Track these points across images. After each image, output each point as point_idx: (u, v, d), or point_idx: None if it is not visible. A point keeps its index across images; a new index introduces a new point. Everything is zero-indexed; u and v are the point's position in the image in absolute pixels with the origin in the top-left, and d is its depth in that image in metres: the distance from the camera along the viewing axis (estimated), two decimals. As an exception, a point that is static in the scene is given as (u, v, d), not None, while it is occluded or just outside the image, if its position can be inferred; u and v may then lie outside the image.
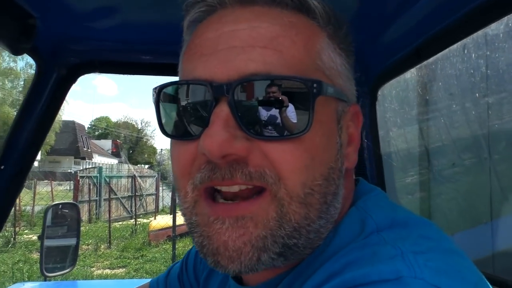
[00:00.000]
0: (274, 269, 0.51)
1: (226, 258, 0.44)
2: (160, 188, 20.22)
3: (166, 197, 19.87)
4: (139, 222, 13.06)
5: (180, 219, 8.99)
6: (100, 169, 15.82)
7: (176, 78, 0.53)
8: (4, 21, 0.85)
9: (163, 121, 0.51)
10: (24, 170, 1.22)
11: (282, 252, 0.45)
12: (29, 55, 1.06)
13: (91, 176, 15.25)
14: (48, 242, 1.86)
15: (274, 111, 0.44)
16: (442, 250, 0.44)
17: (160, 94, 0.50)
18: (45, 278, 1.93)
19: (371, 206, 0.52)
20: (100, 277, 7.46)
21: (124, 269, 8.08)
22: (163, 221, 11.20)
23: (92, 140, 45.89)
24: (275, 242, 0.44)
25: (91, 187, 14.85)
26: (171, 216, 12.05)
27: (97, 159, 38.52)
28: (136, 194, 15.85)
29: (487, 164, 1.43)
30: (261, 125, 0.44)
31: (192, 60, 0.49)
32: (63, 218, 2.00)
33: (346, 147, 0.52)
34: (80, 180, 14.48)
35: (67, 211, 2.05)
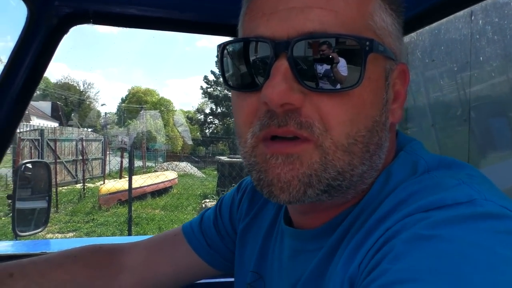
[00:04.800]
0: (328, 213, 0.58)
1: (278, 189, 0.51)
2: (107, 152, 19.61)
3: (112, 161, 19.34)
4: (86, 186, 12.68)
5: (133, 183, 8.83)
6: (42, 132, 15.00)
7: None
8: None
9: (227, 74, 0.56)
10: (13, 125, 1.18)
11: (326, 190, 0.51)
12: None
13: (32, 139, 14.45)
14: (19, 201, 1.81)
15: (328, 67, 0.49)
16: (490, 185, 0.51)
17: (224, 50, 0.55)
18: (16, 237, 1.88)
19: (418, 150, 0.59)
20: (50, 241, 7.24)
21: (74, 233, 7.90)
22: (113, 185, 10.97)
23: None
24: (320, 181, 0.50)
25: (32, 150, 14.11)
26: (120, 180, 11.82)
27: (35, 122, 36.32)
28: (84, 157, 15.29)
29: (466, 126, 1.57)
30: (316, 79, 0.49)
31: (254, 19, 0.53)
32: (33, 177, 1.94)
33: (391, 103, 0.57)
34: (21, 143, 13.67)
35: (37, 170, 1.99)
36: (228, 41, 0.55)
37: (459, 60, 1.58)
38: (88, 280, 0.77)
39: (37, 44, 1.11)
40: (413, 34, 1.65)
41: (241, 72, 0.54)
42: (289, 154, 0.50)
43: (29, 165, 1.98)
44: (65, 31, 1.16)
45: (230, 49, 0.55)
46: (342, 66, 0.49)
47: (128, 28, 1.30)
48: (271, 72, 0.49)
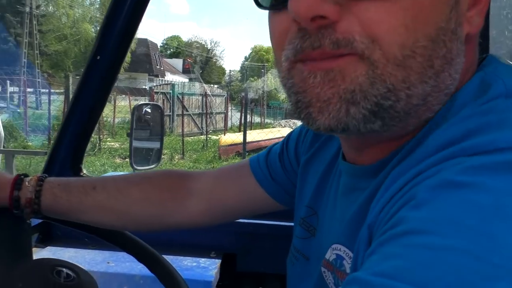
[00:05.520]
0: (383, 148, 0.50)
1: (317, 109, 0.43)
2: (229, 107, 20.75)
3: (233, 116, 20.43)
4: (209, 138, 13.70)
5: (249, 137, 9.30)
6: (173, 86, 16.45)
7: None
8: None
9: None
10: (118, 62, 1.29)
11: (376, 112, 0.42)
12: None
13: (164, 92, 15.96)
14: (135, 140, 2.01)
15: None
16: None
17: None
18: (134, 171, 2.11)
19: (503, 71, 0.46)
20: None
21: (196, 179, 8.67)
22: (232, 137, 11.65)
23: (164, 59, 47.22)
24: (366, 98, 0.41)
25: (165, 102, 15.61)
26: (238, 134, 12.52)
27: (169, 77, 39.85)
28: (207, 111, 16.45)
29: None
30: None
31: None
32: (148, 119, 2.13)
33: (466, 9, 0.45)
34: (155, 95, 15.23)
35: (151, 112, 2.17)
36: None
37: None
38: (160, 201, 0.82)
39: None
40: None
41: None
42: (329, 70, 0.42)
43: (145, 108, 2.18)
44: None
45: None
46: None
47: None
48: None
